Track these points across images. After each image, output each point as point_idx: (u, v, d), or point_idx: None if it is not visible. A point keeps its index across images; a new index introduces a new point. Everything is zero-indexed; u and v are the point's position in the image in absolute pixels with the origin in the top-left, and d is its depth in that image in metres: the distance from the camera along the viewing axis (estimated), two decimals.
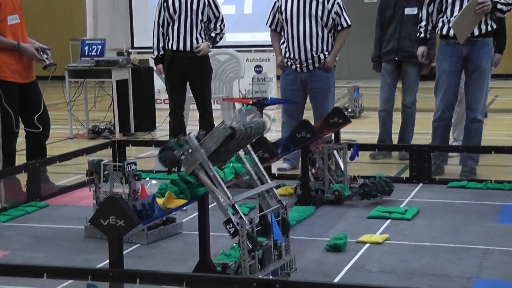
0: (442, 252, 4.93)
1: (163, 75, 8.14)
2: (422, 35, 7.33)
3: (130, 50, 13.29)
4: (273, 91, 11.47)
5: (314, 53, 7.39)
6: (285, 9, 7.44)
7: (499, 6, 6.92)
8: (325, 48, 7.43)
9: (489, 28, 7.03)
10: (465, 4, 6.90)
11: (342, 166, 6.34)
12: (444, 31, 7.07)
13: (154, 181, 6.31)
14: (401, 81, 8.32)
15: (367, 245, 5.08)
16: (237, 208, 3.95)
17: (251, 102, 6.81)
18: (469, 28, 6.95)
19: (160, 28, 8.04)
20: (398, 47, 8.12)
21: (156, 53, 8.07)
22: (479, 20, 6.94)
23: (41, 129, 6.78)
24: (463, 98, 7.53)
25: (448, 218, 5.75)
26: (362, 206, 6.08)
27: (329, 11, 7.38)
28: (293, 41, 7.41)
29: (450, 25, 7.08)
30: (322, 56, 7.42)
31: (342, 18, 7.44)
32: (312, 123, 6.41)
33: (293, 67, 7.47)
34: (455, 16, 6.96)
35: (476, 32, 6.98)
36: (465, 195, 6.44)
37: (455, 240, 5.19)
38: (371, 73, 9.85)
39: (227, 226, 3.96)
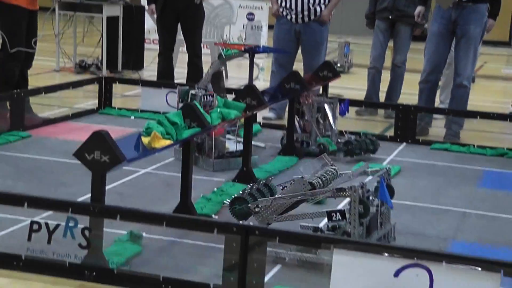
0: (421, 212, 4.98)
1: (155, 16, 8.05)
2: None
3: None
4: (264, 40, 11.40)
5: (310, 5, 7.33)
6: None
7: None
8: (322, 1, 7.37)
9: None
10: None
11: (331, 121, 6.34)
12: None
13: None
14: (393, 40, 8.29)
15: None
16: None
17: (243, 49, 6.75)
18: None
19: None
20: (393, 6, 8.09)
21: None
22: None
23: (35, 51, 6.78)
24: (452, 62, 7.52)
25: (429, 179, 5.79)
26: (344, 162, 6.09)
27: None
28: None
29: None
30: (318, 8, 7.36)
31: None
32: (302, 75, 6.39)
33: (288, 17, 7.41)
34: None
35: None
36: (447, 158, 6.48)
37: (434, 201, 5.23)
38: (363, 30, 9.81)
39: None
